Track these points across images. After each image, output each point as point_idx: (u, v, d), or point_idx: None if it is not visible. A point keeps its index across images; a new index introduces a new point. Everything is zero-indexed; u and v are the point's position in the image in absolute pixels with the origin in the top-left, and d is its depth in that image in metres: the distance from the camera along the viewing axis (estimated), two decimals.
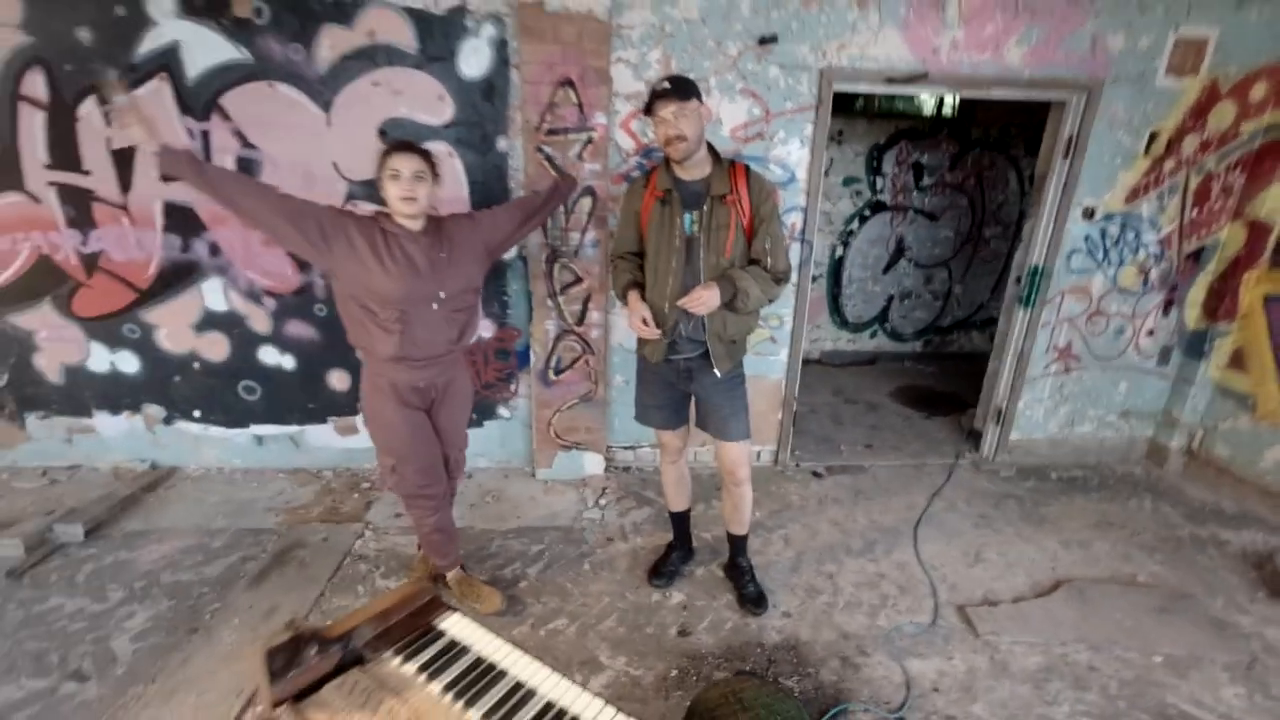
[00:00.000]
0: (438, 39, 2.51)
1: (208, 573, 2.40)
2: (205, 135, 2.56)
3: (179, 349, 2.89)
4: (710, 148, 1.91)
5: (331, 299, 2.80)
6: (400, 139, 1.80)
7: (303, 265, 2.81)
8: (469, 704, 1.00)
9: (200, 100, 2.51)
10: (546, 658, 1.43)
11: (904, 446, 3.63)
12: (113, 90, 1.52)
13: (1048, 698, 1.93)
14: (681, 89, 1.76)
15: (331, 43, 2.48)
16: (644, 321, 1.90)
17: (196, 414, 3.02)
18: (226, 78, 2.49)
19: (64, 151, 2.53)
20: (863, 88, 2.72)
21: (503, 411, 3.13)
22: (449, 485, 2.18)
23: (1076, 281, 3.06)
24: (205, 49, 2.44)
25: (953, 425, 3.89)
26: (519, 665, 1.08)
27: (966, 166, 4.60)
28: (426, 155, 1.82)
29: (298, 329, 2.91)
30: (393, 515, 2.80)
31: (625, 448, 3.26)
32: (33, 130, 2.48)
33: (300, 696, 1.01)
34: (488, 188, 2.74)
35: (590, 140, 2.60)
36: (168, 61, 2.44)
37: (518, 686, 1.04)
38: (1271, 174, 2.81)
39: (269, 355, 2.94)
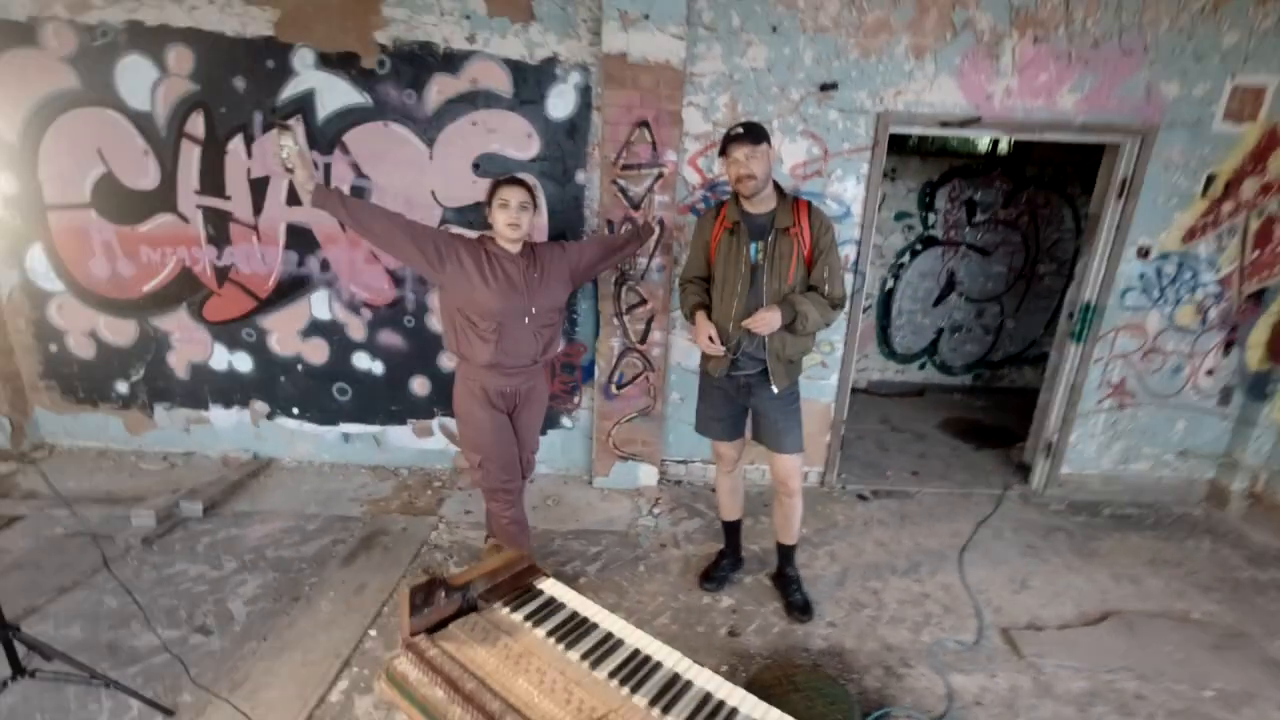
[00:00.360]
0: (530, 84, 2.83)
1: (305, 551, 2.69)
2: (327, 167, 2.94)
3: (286, 352, 3.26)
4: (776, 184, 2.13)
5: (419, 312, 3.14)
6: (510, 174, 2.08)
7: (398, 281, 3.14)
8: (569, 646, 1.20)
9: (326, 137, 2.89)
10: None
11: (951, 475, 3.67)
12: (289, 134, 1.85)
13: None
14: (753, 134, 1.99)
15: (439, 88, 2.83)
16: (710, 339, 2.11)
17: (295, 411, 3.37)
18: (349, 118, 2.88)
19: (212, 179, 2.96)
20: (917, 130, 2.90)
21: (565, 422, 3.36)
22: (523, 482, 2.41)
23: (1131, 319, 3.10)
24: (334, 94, 2.83)
25: (1001, 458, 3.91)
26: (608, 621, 1.27)
27: (1020, 204, 4.67)
28: (531, 189, 2.10)
29: (388, 338, 3.23)
30: (463, 512, 3.05)
31: (678, 462, 3.44)
32: (190, 162, 2.92)
33: (431, 631, 1.23)
34: (565, 216, 3.03)
35: (661, 175, 2.86)
36: (303, 105, 2.85)
37: (609, 636, 1.23)
38: None
39: (362, 360, 3.27)
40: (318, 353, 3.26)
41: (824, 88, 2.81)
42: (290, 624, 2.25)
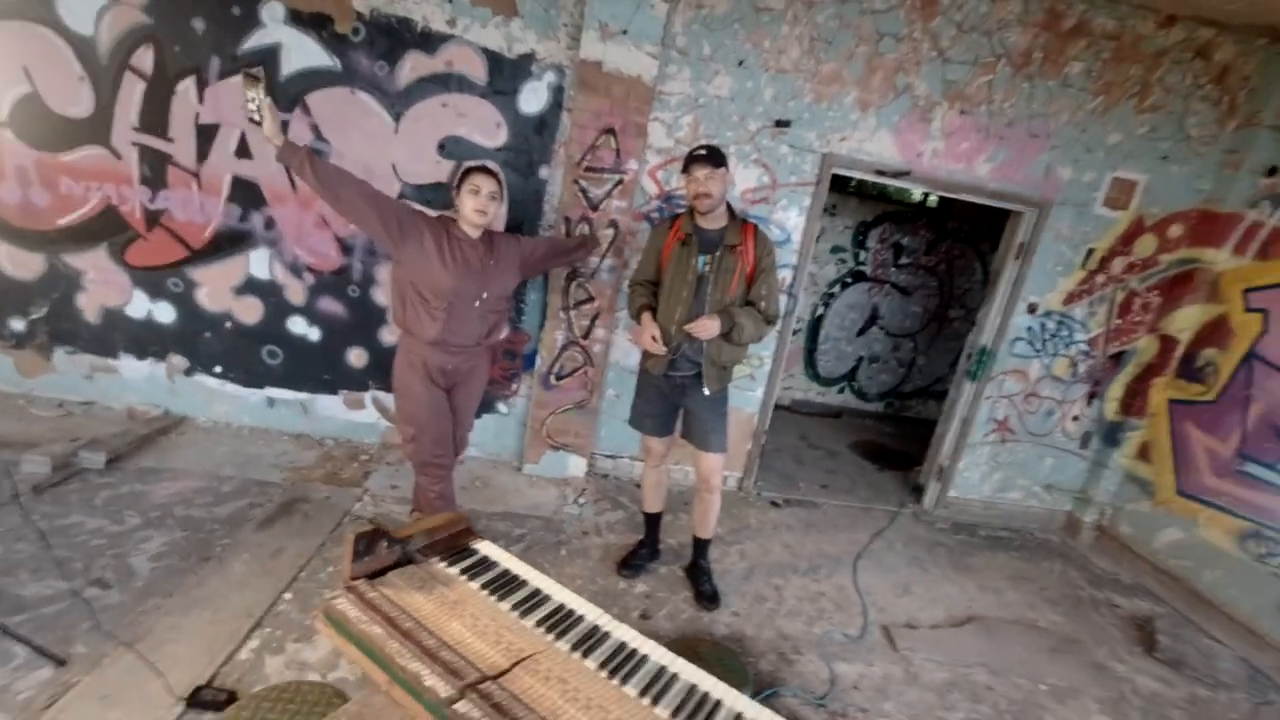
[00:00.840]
0: (506, 76, 2.91)
1: (218, 512, 2.61)
2: (285, 125, 2.88)
3: (216, 307, 3.14)
4: (728, 205, 2.32)
5: (365, 283, 3.12)
6: (483, 162, 2.16)
7: (346, 249, 3.11)
8: (501, 599, 1.30)
9: (287, 95, 2.84)
10: None
11: (855, 491, 4.01)
12: (258, 85, 1.84)
13: (947, 705, 2.27)
14: (714, 158, 2.17)
15: (413, 65, 2.85)
16: (654, 339, 2.27)
17: (218, 369, 3.25)
18: (315, 80, 2.84)
19: (154, 118, 2.82)
20: (856, 174, 3.20)
21: (501, 408, 3.42)
22: (455, 460, 2.46)
23: (1017, 364, 3.54)
24: (302, 53, 2.79)
25: (900, 479, 4.30)
26: (537, 579, 1.38)
27: (940, 252, 5.16)
28: (500, 180, 2.18)
29: (329, 305, 3.18)
30: (389, 486, 3.04)
31: (607, 456, 3.57)
32: (130, 96, 2.78)
33: (370, 578, 1.29)
34: (525, 208, 3.11)
35: (621, 181, 3.00)
36: (264, 58, 2.78)
37: (537, 592, 1.34)
38: (1180, 299, 3.36)
39: (298, 325, 3.20)
40: (250, 312, 3.16)
41: (779, 124, 3.06)
42: (200, 583, 2.19)
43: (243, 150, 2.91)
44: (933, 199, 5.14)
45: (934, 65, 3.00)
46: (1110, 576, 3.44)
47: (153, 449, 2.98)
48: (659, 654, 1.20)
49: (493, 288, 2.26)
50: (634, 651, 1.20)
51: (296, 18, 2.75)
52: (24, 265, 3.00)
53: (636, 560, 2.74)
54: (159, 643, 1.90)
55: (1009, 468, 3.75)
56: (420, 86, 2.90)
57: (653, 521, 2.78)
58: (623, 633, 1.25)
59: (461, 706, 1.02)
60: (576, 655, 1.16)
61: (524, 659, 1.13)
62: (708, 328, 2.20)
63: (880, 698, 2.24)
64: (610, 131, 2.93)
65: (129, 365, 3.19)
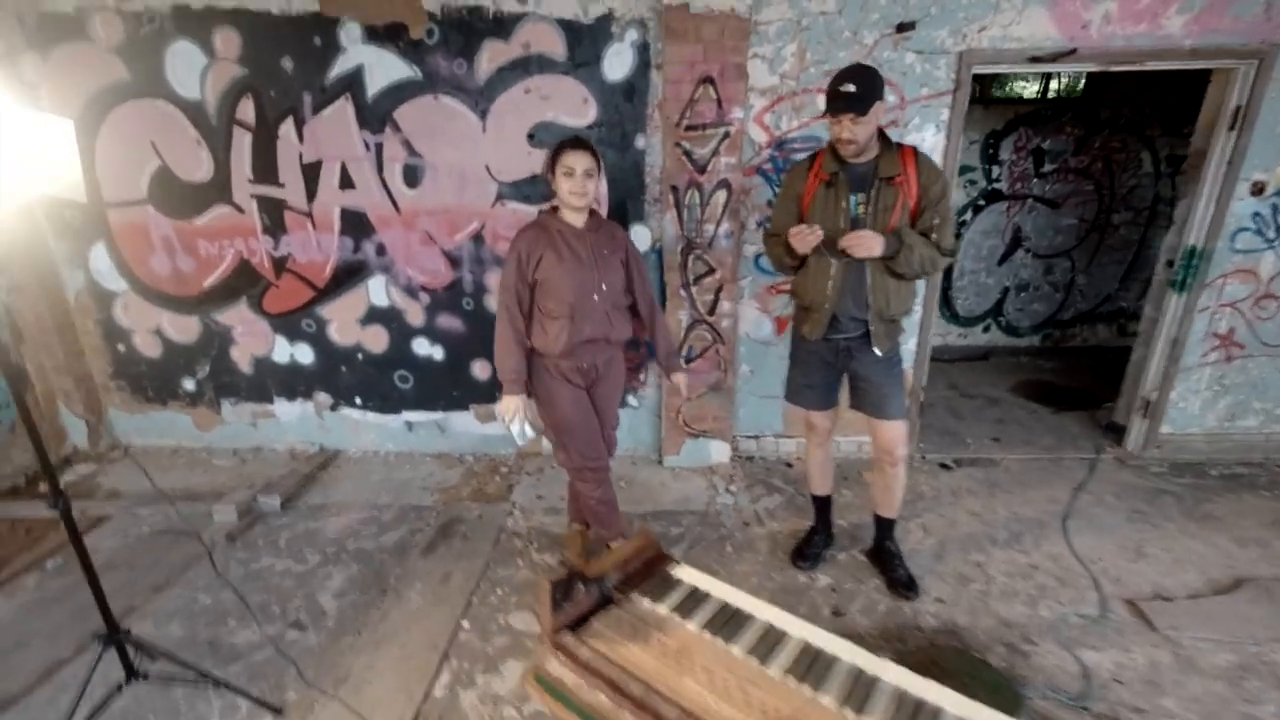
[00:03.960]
0: (585, 46, 2.68)
1: (384, 541, 2.65)
2: (379, 146, 2.84)
3: (346, 341, 3.21)
4: (880, 131, 1.95)
5: (477, 293, 3.05)
6: (576, 139, 1.94)
7: (454, 262, 3.05)
8: (729, 640, 1.09)
9: (377, 115, 2.79)
10: None
11: (1035, 440, 3.48)
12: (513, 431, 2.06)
13: (1247, 696, 1.83)
14: (865, 96, 1.79)
15: (490, 56, 2.70)
16: (807, 234, 1.90)
17: (358, 401, 3.33)
18: (399, 94, 2.76)
19: (264, 167, 2.88)
20: (1003, 68, 2.68)
21: (632, 401, 3.26)
22: (609, 460, 2.32)
23: (1242, 262, 2.85)
24: (383, 69, 2.72)
25: (1085, 420, 3.70)
26: (764, 610, 1.17)
27: (1093, 150, 4.36)
28: (595, 153, 1.95)
29: (447, 321, 3.16)
30: (535, 497, 2.98)
31: (749, 437, 3.31)
32: (242, 150, 2.85)
33: (573, 627, 1.14)
34: (625, 184, 2.88)
35: (728, 135, 2.69)
36: (351, 83, 2.74)
37: (769, 628, 1.12)
38: None
39: (421, 346, 3.20)
40: (377, 340, 3.20)
41: (901, 28, 2.60)
42: (382, 617, 2.21)
43: (345, 181, 2.91)
44: (1071, 86, 4.33)
45: None
46: None
47: (316, 486, 3.11)
48: (953, 703, 0.94)
49: (609, 278, 2.06)
50: (920, 703, 0.94)
51: (373, 34, 2.67)
52: (184, 329, 3.20)
53: (811, 549, 2.48)
54: (359, 684, 1.91)
55: (1240, 390, 3.08)
56: (501, 77, 2.74)
57: (822, 505, 2.51)
58: (894, 675, 1.00)
59: None
60: (849, 712, 0.93)
61: (787, 716, 0.92)
62: (867, 242, 1.86)
63: (1154, 692, 1.85)
64: (708, 81, 2.62)
65: (283, 408, 3.36)
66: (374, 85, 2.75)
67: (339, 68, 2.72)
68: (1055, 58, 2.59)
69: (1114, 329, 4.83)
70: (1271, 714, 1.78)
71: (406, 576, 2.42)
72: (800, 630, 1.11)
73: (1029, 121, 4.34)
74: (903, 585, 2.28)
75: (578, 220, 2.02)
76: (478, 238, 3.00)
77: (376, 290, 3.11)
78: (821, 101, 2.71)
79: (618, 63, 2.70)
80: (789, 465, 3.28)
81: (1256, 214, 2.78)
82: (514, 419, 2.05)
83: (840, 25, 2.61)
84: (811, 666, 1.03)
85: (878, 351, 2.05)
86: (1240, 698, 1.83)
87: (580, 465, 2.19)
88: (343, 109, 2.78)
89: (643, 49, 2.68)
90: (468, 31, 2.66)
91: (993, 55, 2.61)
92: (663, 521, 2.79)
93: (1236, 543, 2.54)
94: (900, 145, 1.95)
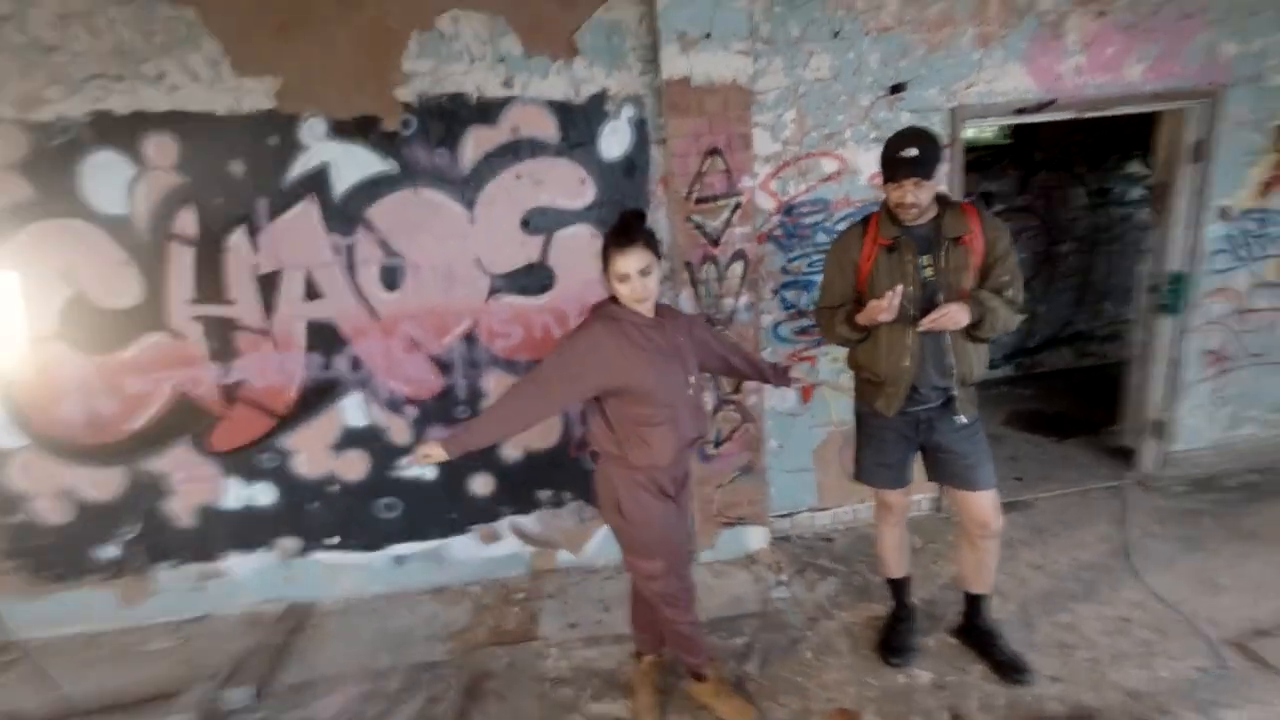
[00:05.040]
0: (579, 126, 2.51)
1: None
2: (350, 249, 2.50)
3: (316, 473, 2.72)
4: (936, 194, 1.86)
5: (473, 399, 2.69)
6: (622, 230, 1.69)
7: (444, 367, 2.70)
8: None
9: (346, 215, 2.46)
10: None
11: (1054, 475, 3.46)
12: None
13: None
14: (928, 159, 1.72)
15: (476, 142, 2.47)
16: (887, 301, 1.73)
17: (333, 541, 2.82)
18: (373, 191, 2.46)
19: (210, 284, 2.45)
20: (991, 121, 2.76)
21: None
22: None
23: (1221, 282, 3.01)
24: (353, 165, 2.42)
25: (1091, 446, 3.74)
26: None
27: (1034, 189, 4.67)
28: (651, 242, 1.71)
29: (439, 435, 2.74)
30: (566, 626, 2.57)
31: (781, 516, 3.07)
32: (182, 267, 2.41)
33: None
34: None
35: (739, 205, 2.57)
36: (316, 182, 2.41)
37: None
38: None
39: (409, 468, 2.77)
40: (355, 467, 2.74)
41: (894, 90, 2.62)
42: None
43: (311, 291, 2.53)
44: (1008, 134, 4.65)
45: None
46: None
47: (293, 657, 2.53)
48: None
49: (692, 364, 1.80)
50: None
51: (340, 129, 2.38)
52: (104, 485, 2.60)
53: (899, 640, 2.23)
54: None
55: (1235, 401, 3.20)
56: (488, 164, 2.51)
57: (900, 588, 2.28)
58: None
59: None
60: None
61: None
62: (954, 317, 1.73)
63: None
64: (714, 152, 2.51)
65: (237, 563, 2.77)
66: (342, 183, 2.43)
67: (300, 167, 2.39)
68: (1039, 108, 2.69)
69: (1074, 352, 5.07)
70: None
71: None
72: None
73: (974, 168, 4.59)
74: (1013, 669, 2.07)
75: (647, 310, 1.75)
76: (470, 338, 2.68)
77: (352, 409, 2.68)
78: (826, 164, 2.69)
79: (615, 141, 2.55)
80: (829, 540, 3.05)
81: (1226, 236, 2.96)
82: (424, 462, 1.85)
83: (836, 90, 2.60)
84: None
85: (964, 419, 1.90)
86: None
87: (677, 589, 1.86)
88: (306, 212, 2.43)
89: (640, 125, 2.55)
90: (449, 119, 2.43)
91: (981, 110, 2.68)
92: (722, 631, 2.44)
93: None
94: (961, 203, 1.87)
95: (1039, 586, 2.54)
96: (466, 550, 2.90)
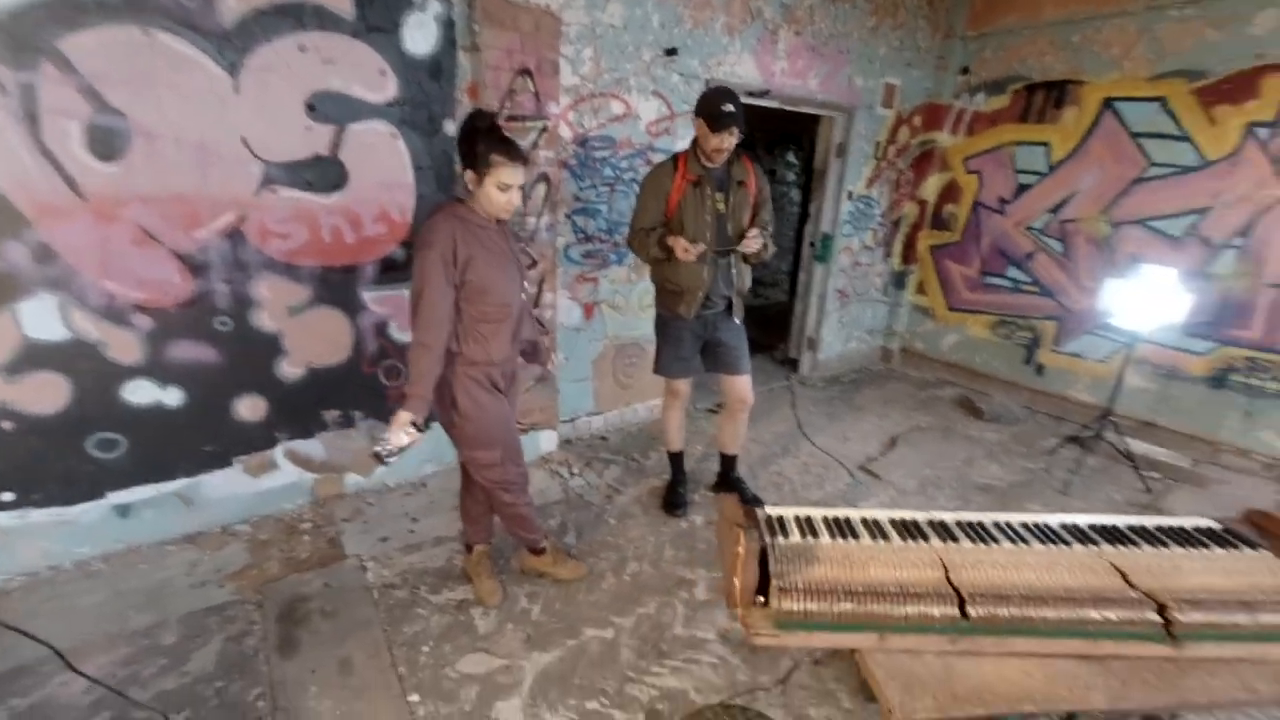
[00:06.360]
0: (378, 8, 2.30)
1: (197, 669, 1.84)
2: (28, 89, 1.84)
3: None
4: None
5: (240, 309, 2.32)
6: (514, 144, 1.74)
7: (197, 268, 2.22)
8: (855, 538, 1.38)
9: (17, 38, 1.79)
10: (647, 592, 2.01)
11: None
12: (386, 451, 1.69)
13: (932, 497, 3.04)
14: (741, 117, 2.19)
15: None
16: (686, 248, 2.26)
17: (7, 497, 2.10)
18: (70, 16, 1.84)
19: None
20: None
21: None
22: None
23: (846, 243, 4.44)
24: None
25: (769, 359, 5.08)
26: (852, 512, 1.49)
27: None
28: (528, 163, 1.85)
29: (189, 352, 2.28)
30: (378, 540, 2.49)
31: (565, 421, 3.43)
32: None
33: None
34: (437, 173, 2.61)
35: (545, 129, 2.72)
36: None
37: (865, 519, 1.45)
38: (926, 172, 4.58)
39: (141, 392, 2.23)
40: (46, 395, 2.08)
41: (668, 52, 3.09)
42: None
43: None
44: None
45: None
46: (925, 380, 4.78)
47: None
48: (986, 516, 1.47)
49: (525, 274, 1.99)
50: (979, 523, 1.43)
51: None
52: None
53: (678, 498, 2.84)
54: None
55: (849, 325, 4.78)
56: (261, 23, 2.12)
57: (678, 458, 2.89)
58: (941, 515, 1.47)
59: (976, 611, 1.14)
60: (946, 544, 1.36)
61: (951, 563, 1.27)
62: (757, 243, 2.32)
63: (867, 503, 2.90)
64: (525, 73, 2.60)
65: None
66: None
67: None
68: (762, 94, 3.51)
69: (750, 294, 6.62)
70: (947, 497, 3.02)
71: (284, 690, 1.77)
72: (882, 514, 1.48)
73: None
74: (755, 503, 2.85)
75: (489, 218, 1.84)
76: (236, 235, 2.26)
77: (38, 317, 2.01)
78: (615, 106, 3.03)
79: (420, 36, 2.41)
80: (604, 439, 3.55)
81: (851, 211, 4.35)
82: (406, 438, 1.73)
83: (625, 40, 2.94)
84: (908, 531, 1.41)
85: (738, 320, 2.53)
86: (929, 501, 3.03)
87: (512, 477, 2.02)
88: None
89: (448, 25, 2.46)
90: None
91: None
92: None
93: (879, 418, 4.02)
94: (742, 154, 2.43)
95: (756, 453, 3.48)
96: (228, 486, 2.48)
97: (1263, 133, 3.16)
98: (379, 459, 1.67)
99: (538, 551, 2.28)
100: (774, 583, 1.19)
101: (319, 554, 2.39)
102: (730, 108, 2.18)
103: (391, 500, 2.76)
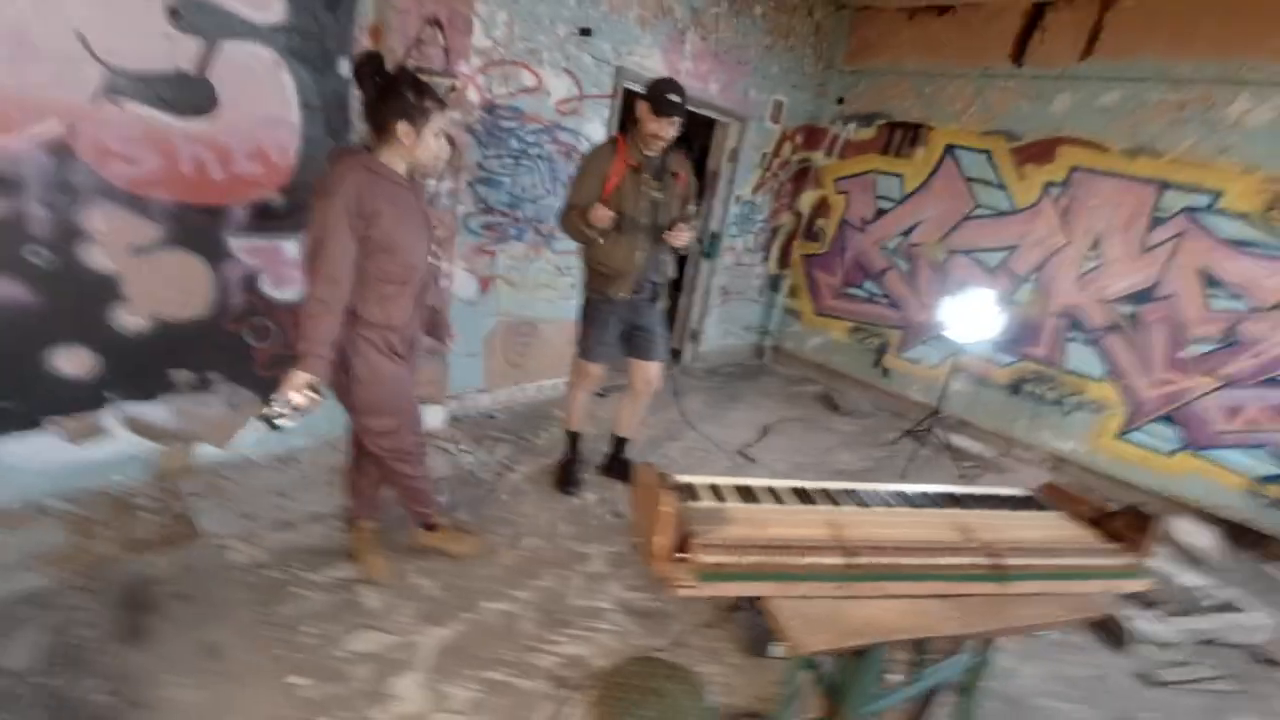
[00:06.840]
0: None
1: (9, 664, 1.53)
2: None
3: None
4: None
5: (63, 239, 1.99)
6: (434, 80, 1.65)
7: (10, 186, 1.83)
8: (760, 501, 1.52)
9: None
10: (543, 566, 2.05)
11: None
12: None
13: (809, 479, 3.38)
14: (685, 104, 2.25)
15: None
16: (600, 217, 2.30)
17: None
18: None
19: None
20: (638, 88, 3.54)
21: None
22: None
23: (731, 243, 4.73)
24: None
25: None
26: (756, 481, 1.63)
27: None
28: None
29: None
30: (239, 517, 2.24)
31: (452, 397, 3.30)
32: None
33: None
34: (326, 116, 2.38)
35: (454, 88, 2.60)
36: None
37: (768, 488, 1.60)
38: (803, 187, 5.04)
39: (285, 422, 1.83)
40: None
41: (582, 31, 3.10)
42: None
43: None
44: None
45: None
46: (793, 377, 5.25)
47: None
48: (861, 486, 1.69)
49: (432, 235, 1.88)
50: (826, 490, 1.66)
51: None
52: None
53: (571, 476, 2.87)
54: None
55: (729, 321, 5.10)
56: None
57: (577, 438, 2.92)
58: (829, 485, 1.67)
59: (862, 559, 1.33)
60: (832, 508, 1.55)
61: (835, 522, 1.45)
62: (685, 236, 2.40)
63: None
64: (436, 24, 2.47)
65: None
66: None
67: None
68: None
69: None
70: (813, 480, 3.36)
71: (134, 682, 1.53)
72: (781, 483, 1.63)
73: None
74: None
75: (402, 168, 1.73)
76: (62, 149, 1.89)
77: None
78: (526, 77, 2.98)
79: None
80: (492, 417, 3.47)
81: (737, 214, 4.65)
82: (304, 400, 1.59)
83: (542, 11, 2.90)
84: (805, 496, 1.58)
85: (661, 306, 2.63)
86: (800, 473, 3.35)
87: (409, 446, 1.92)
88: None
89: None
90: None
91: (634, 75, 3.43)
92: None
93: (754, 408, 4.36)
94: (679, 148, 2.50)
95: (646, 436, 3.61)
96: (40, 455, 2.07)
97: (1055, 191, 3.90)
98: (269, 423, 1.51)
99: (431, 526, 2.19)
100: (695, 539, 1.28)
101: (166, 533, 2.09)
102: (676, 98, 2.26)
103: (256, 475, 2.48)
